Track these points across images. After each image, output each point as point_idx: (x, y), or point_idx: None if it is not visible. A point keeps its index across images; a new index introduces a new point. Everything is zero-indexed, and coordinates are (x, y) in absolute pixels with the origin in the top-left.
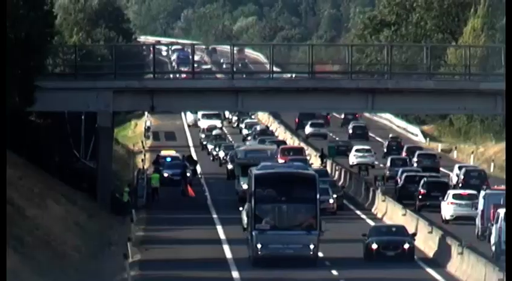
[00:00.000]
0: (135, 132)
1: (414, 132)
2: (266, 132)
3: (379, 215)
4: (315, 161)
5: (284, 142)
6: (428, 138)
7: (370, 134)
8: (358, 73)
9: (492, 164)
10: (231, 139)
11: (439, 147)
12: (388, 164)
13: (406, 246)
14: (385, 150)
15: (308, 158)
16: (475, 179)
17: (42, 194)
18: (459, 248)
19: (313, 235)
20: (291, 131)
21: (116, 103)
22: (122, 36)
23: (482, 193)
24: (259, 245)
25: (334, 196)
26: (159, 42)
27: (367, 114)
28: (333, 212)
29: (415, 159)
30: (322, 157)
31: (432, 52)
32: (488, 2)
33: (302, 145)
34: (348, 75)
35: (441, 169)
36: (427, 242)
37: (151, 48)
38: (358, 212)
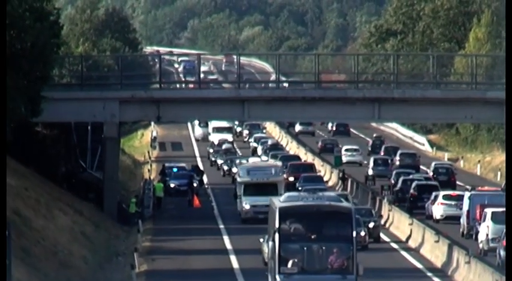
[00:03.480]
0: (142, 143)
1: (421, 142)
2: (277, 146)
3: (386, 225)
4: (325, 173)
5: (297, 157)
6: (435, 148)
7: (353, 130)
8: (364, 82)
9: (499, 173)
10: (240, 153)
11: (445, 156)
12: (372, 163)
13: None
14: (369, 148)
15: (321, 174)
16: (443, 175)
17: (49, 205)
18: (466, 257)
19: (348, 280)
20: (300, 142)
21: (122, 113)
22: (128, 46)
23: (468, 193)
24: None
25: (371, 225)
26: (161, 52)
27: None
28: (365, 246)
29: (397, 158)
30: (344, 179)
31: (438, 61)
32: (493, 11)
33: (313, 158)
34: (354, 84)
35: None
36: (433, 251)
37: (158, 59)
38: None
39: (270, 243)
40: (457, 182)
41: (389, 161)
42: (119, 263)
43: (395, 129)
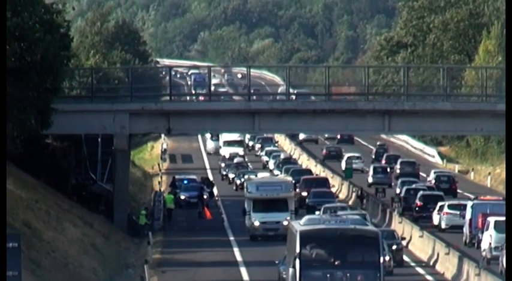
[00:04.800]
0: (152, 155)
1: (431, 154)
2: (290, 160)
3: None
4: (338, 187)
5: (309, 171)
6: (445, 160)
7: (358, 138)
8: (374, 95)
9: None
10: (251, 167)
11: (455, 168)
12: (371, 171)
13: None
14: (373, 156)
15: (334, 188)
16: (444, 183)
17: (59, 217)
18: (476, 269)
19: None
20: (311, 155)
21: (133, 125)
22: (138, 58)
23: (470, 203)
24: None
25: (394, 248)
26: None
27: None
28: (390, 272)
29: (397, 166)
30: (362, 197)
31: (449, 73)
32: (503, 23)
33: (323, 170)
34: (364, 96)
35: (423, 174)
36: (444, 263)
37: (168, 71)
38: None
39: (290, 270)
40: (458, 190)
41: (388, 169)
42: (129, 276)
43: (406, 142)
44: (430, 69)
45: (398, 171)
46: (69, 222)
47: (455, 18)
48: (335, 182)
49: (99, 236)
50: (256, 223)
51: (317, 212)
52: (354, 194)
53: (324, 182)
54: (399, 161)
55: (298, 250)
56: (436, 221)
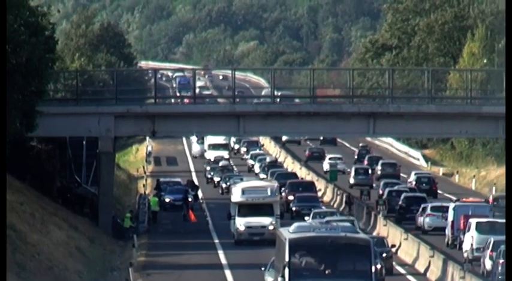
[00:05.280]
0: (137, 158)
1: (416, 157)
2: (275, 164)
3: None
4: (325, 191)
5: (294, 174)
6: (430, 163)
7: (341, 140)
8: (359, 97)
9: (494, 188)
10: (236, 170)
11: (440, 171)
12: (353, 173)
13: None
14: (355, 157)
15: (320, 191)
16: (425, 184)
17: (44, 220)
18: (461, 272)
19: None
20: (295, 157)
21: (118, 128)
22: (123, 61)
23: (452, 205)
24: None
25: (384, 255)
26: (156, 67)
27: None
28: (381, 280)
29: (379, 167)
30: (350, 203)
31: (434, 76)
32: (487, 26)
33: (308, 172)
34: (349, 99)
35: (404, 175)
36: (429, 267)
37: (153, 73)
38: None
39: (279, 279)
40: (439, 191)
41: (369, 170)
42: (114, 278)
43: (390, 144)
44: (415, 72)
45: (379, 172)
46: (54, 225)
47: (440, 20)
48: (320, 185)
49: (84, 239)
50: (242, 228)
51: (306, 218)
52: (338, 197)
53: (311, 186)
54: (380, 162)
55: (287, 259)
56: (419, 223)
